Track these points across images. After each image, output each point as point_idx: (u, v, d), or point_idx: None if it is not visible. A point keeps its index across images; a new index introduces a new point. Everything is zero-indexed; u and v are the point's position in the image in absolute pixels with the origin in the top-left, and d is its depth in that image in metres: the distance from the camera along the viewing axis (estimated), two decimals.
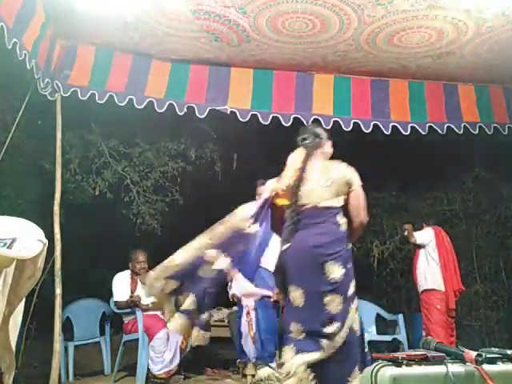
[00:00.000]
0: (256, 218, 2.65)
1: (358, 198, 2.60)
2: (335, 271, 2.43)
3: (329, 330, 2.38)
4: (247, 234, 2.62)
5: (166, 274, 2.53)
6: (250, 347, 3.76)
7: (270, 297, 3.75)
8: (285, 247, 2.48)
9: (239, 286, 3.40)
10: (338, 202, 2.56)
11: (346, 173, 2.62)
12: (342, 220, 2.57)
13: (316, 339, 2.39)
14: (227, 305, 4.95)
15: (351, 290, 2.50)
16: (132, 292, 4.22)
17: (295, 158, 2.66)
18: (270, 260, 3.75)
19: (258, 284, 3.67)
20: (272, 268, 3.71)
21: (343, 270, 2.45)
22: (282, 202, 2.64)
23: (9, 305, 2.05)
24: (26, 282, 2.13)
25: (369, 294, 5.58)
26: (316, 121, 4.09)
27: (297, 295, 2.45)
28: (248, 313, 3.74)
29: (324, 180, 2.56)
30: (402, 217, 6.54)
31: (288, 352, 2.41)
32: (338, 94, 4.22)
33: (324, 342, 2.38)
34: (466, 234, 6.35)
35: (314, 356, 2.36)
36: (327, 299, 2.40)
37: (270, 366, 3.68)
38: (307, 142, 2.72)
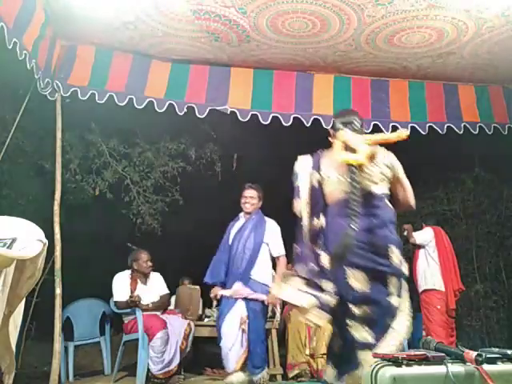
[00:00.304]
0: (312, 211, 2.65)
1: (403, 182, 2.63)
2: (396, 256, 2.48)
3: (391, 300, 2.47)
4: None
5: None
6: (231, 358, 3.64)
7: (263, 302, 3.72)
8: (352, 227, 2.33)
9: None
10: (386, 187, 2.59)
11: (388, 157, 2.62)
12: (390, 204, 2.60)
13: (385, 325, 2.45)
14: None
15: (404, 270, 2.57)
16: (132, 292, 4.21)
17: (354, 137, 2.53)
18: (260, 270, 3.76)
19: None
20: (263, 279, 3.72)
21: (401, 257, 2.52)
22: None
23: (9, 305, 2.05)
24: (26, 282, 2.14)
25: None
26: (316, 121, 4.10)
27: (360, 278, 2.44)
28: (243, 323, 3.69)
29: (369, 164, 2.51)
30: (402, 217, 6.52)
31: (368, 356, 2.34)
32: (338, 93, 4.22)
33: (394, 321, 2.47)
34: (465, 234, 6.35)
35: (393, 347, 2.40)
36: (389, 280, 2.47)
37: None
38: (355, 124, 2.64)
